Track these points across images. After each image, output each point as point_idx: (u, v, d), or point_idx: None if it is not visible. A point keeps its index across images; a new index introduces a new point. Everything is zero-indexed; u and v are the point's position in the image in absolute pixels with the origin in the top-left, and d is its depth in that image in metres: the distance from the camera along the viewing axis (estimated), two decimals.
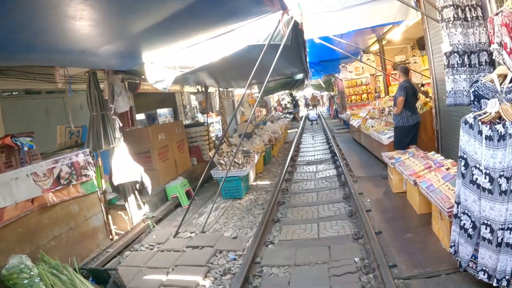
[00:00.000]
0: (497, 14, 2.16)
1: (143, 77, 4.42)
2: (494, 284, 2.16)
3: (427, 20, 5.39)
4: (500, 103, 2.03)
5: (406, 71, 5.15)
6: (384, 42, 9.13)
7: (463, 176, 2.36)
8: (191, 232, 4.28)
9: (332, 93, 18.63)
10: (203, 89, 8.16)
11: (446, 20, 2.36)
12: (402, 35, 8.45)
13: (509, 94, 2.04)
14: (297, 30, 3.92)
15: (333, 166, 6.99)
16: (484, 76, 2.28)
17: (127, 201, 4.62)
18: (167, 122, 9.96)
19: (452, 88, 2.35)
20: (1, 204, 2.99)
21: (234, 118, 15.38)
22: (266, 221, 4.04)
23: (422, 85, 8.21)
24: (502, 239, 2.08)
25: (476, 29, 2.36)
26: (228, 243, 3.77)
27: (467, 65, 2.28)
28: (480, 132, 2.18)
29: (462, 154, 2.33)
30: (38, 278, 2.63)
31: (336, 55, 10.81)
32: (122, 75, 4.53)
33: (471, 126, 2.23)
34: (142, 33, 2.80)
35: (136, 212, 4.68)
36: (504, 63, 2.08)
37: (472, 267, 2.48)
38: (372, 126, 6.91)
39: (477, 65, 2.34)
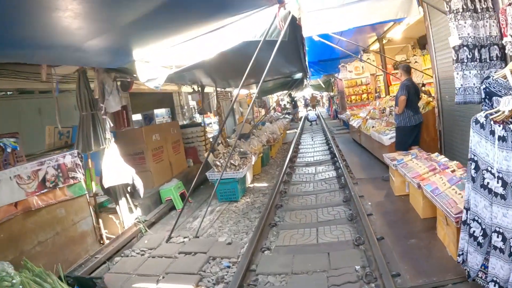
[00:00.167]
0: (510, 4, 1.99)
1: (135, 75, 4.24)
2: None
3: (429, 17, 5.23)
4: None
5: (408, 70, 4.98)
6: (384, 41, 8.97)
7: (473, 180, 2.18)
8: (184, 237, 4.09)
9: (331, 94, 18.46)
10: (199, 88, 7.98)
11: (455, 12, 2.19)
12: (403, 34, 8.29)
13: None
14: (295, 25, 3.73)
15: (332, 168, 6.81)
16: (495, 72, 2.11)
17: (118, 204, 4.44)
18: (164, 122, 9.78)
19: (461, 85, 2.18)
20: None
21: (232, 118, 15.24)
22: (262, 226, 3.86)
23: (423, 84, 8.04)
24: None
25: (487, 21, 2.19)
26: (222, 249, 3.59)
27: (478, 60, 2.11)
28: (492, 132, 2.00)
29: (472, 156, 2.15)
30: (21, 287, 2.47)
31: (336, 55, 10.65)
32: (113, 74, 4.35)
33: (482, 126, 2.05)
34: (129, 26, 2.62)
35: (127, 215, 4.50)
36: None
37: (481, 277, 2.31)
38: (373, 127, 6.74)
39: (487, 60, 2.17)
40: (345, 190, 5.14)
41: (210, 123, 13.17)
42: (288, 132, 14.57)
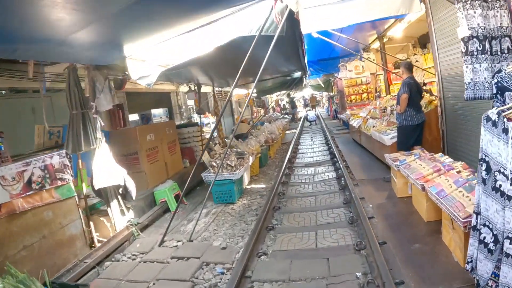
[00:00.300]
0: None
1: (127, 73, 4.08)
2: None
3: (431, 13, 5.07)
4: None
5: (409, 67, 4.82)
6: (385, 40, 8.82)
7: (484, 182, 2.02)
8: (178, 241, 3.93)
9: (331, 93, 18.31)
10: (196, 87, 7.81)
11: (464, 0, 2.03)
12: (404, 32, 8.15)
13: None
14: (293, 20, 3.58)
15: (332, 168, 6.65)
16: (508, 65, 1.95)
17: (110, 206, 4.28)
18: (160, 122, 9.63)
19: (471, 79, 2.02)
20: None
21: (231, 118, 15.08)
22: (259, 229, 3.70)
23: (424, 84, 7.88)
24: None
25: (497, 11, 2.04)
26: (217, 254, 3.42)
27: (488, 52, 1.95)
28: (505, 131, 1.84)
29: (484, 157, 1.99)
30: None
31: (336, 54, 10.50)
32: (104, 71, 4.19)
33: (494, 124, 1.89)
34: (117, 18, 2.47)
35: (119, 218, 4.34)
36: None
37: (492, 286, 2.15)
38: (373, 126, 6.58)
39: (499, 53, 2.02)
40: (345, 192, 4.97)
41: (209, 123, 13.02)
42: (287, 132, 14.42)
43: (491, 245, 2.10)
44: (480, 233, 2.15)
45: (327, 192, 5.18)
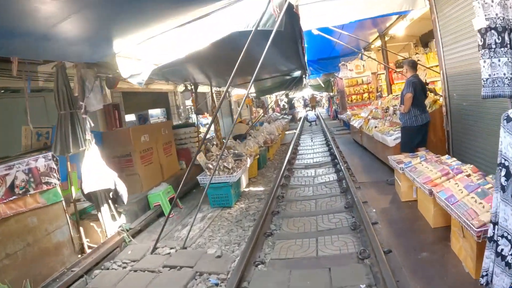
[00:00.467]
0: None
1: (118, 71, 3.88)
2: None
3: (436, 9, 4.89)
4: None
5: (414, 65, 4.61)
6: (386, 39, 8.63)
7: (503, 189, 1.83)
8: (171, 248, 3.73)
9: (331, 94, 18.12)
10: (192, 86, 7.61)
11: None
12: (406, 30, 7.96)
13: None
14: (292, 15, 3.39)
15: (333, 170, 6.45)
16: None
17: (100, 211, 4.07)
18: (154, 123, 9.44)
19: (489, 75, 1.82)
20: None
21: (230, 118, 14.87)
22: (256, 236, 3.49)
23: (427, 83, 7.68)
24: None
25: None
26: (211, 263, 3.22)
27: (508, 45, 1.76)
28: None
29: (503, 161, 1.79)
30: None
31: (336, 53, 10.31)
32: (94, 69, 3.99)
33: None
34: (101, 9, 2.27)
35: (110, 223, 4.14)
36: None
37: None
38: (375, 127, 6.38)
39: None
40: (347, 195, 4.78)
41: (207, 123, 12.82)
42: (287, 132, 14.22)
43: (509, 258, 1.90)
44: (498, 245, 1.95)
45: (328, 195, 4.98)
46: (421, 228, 3.41)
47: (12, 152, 4.04)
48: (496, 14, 1.79)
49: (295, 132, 13.59)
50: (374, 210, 4.00)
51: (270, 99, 21.08)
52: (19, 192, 3.21)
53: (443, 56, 4.88)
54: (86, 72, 3.98)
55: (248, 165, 5.65)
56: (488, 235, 2.02)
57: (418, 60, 8.83)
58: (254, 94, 15.20)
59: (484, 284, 2.11)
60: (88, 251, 3.89)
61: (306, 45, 6.06)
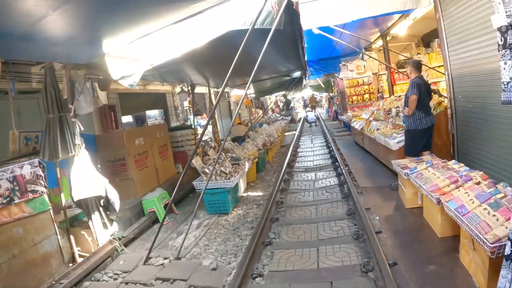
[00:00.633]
0: None
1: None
2: None
3: (441, 8, 4.72)
4: None
5: (418, 66, 4.44)
6: (388, 38, 8.46)
7: None
8: (165, 258, 3.55)
9: (331, 94, 17.96)
10: (189, 88, 7.44)
11: None
12: (407, 30, 7.80)
13: None
14: (292, 13, 3.20)
15: (334, 174, 6.27)
16: None
17: (91, 219, 3.89)
18: (149, 125, 9.26)
19: (510, 78, 1.65)
20: None
21: (229, 120, 14.69)
22: (254, 246, 3.31)
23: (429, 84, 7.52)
24: None
25: None
26: (206, 276, 3.04)
27: None
28: None
29: None
30: None
31: (336, 53, 10.16)
32: (84, 70, 3.82)
33: None
34: (85, 4, 2.10)
35: (101, 231, 3.96)
36: None
37: None
38: (378, 129, 6.21)
39: None
40: (348, 201, 4.60)
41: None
42: (286, 134, 14.04)
43: None
44: None
45: (329, 200, 4.80)
46: (427, 238, 3.24)
47: (2, 157, 3.88)
48: None
49: (294, 134, 13.42)
50: (377, 218, 3.83)
51: (270, 99, 20.92)
52: (2, 201, 3.04)
53: (448, 57, 4.71)
54: (75, 74, 3.81)
55: (246, 170, 5.47)
56: (506, 253, 1.85)
57: (420, 60, 8.66)
58: (254, 95, 15.03)
59: None
60: (79, 260, 3.72)
61: (306, 45, 5.90)
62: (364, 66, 10.85)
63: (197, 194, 5.63)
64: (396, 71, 8.42)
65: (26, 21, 2.08)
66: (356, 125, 8.26)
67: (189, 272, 3.15)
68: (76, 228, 4.14)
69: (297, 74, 8.26)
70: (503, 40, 1.61)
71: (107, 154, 5.04)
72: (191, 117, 11.06)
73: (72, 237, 3.86)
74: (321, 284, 2.76)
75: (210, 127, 9.40)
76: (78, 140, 3.73)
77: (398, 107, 6.06)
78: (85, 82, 3.91)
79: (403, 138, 4.85)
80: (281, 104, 23.47)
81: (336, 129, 13.11)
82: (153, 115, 10.80)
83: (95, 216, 3.91)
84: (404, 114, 4.50)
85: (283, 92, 15.97)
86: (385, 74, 10.03)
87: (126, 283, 3.21)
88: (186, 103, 11.47)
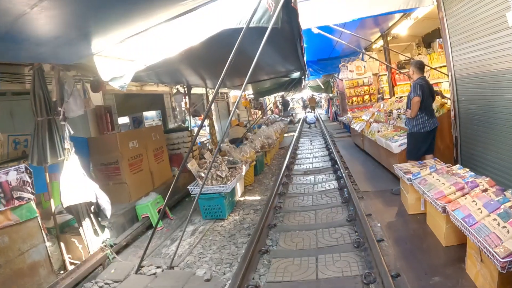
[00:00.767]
0: None
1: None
2: None
3: (444, 7, 4.58)
4: None
5: (421, 67, 4.30)
6: (388, 39, 8.33)
7: None
8: (157, 267, 3.40)
9: (330, 95, 17.82)
10: (185, 89, 7.30)
11: None
12: (408, 30, 7.67)
13: None
14: (290, 12, 3.07)
15: (333, 177, 6.12)
16: None
17: (82, 225, 3.74)
18: (154, 125, 9.13)
19: None
20: None
21: (228, 121, 14.54)
22: (250, 255, 3.16)
23: None
24: None
25: None
26: None
27: None
28: None
29: None
30: None
31: (336, 53, 10.03)
32: (73, 71, 3.68)
33: None
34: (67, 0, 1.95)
35: (93, 238, 3.81)
36: None
37: None
38: (378, 131, 6.06)
39: None
40: (348, 206, 4.45)
41: (204, 126, 12.46)
42: (285, 135, 13.90)
43: None
44: None
45: (329, 205, 4.65)
46: (431, 246, 3.10)
47: None
48: None
49: (294, 135, 13.27)
50: (379, 225, 3.68)
51: (269, 100, 20.79)
52: None
53: (452, 57, 4.58)
54: (65, 75, 3.67)
55: (243, 173, 5.32)
56: None
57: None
58: (252, 96, 14.90)
59: None
60: (70, 267, 3.58)
61: (305, 45, 5.76)
62: (364, 66, 10.72)
63: (193, 198, 5.48)
64: (398, 71, 8.27)
65: (4, 21, 1.94)
66: (356, 126, 8.12)
67: (182, 282, 3.00)
68: (67, 235, 4.00)
69: (296, 74, 8.12)
70: None
71: (100, 158, 4.90)
72: (189, 117, 10.96)
73: (62, 244, 3.72)
74: None
75: (207, 129, 9.26)
76: (67, 144, 3.58)
77: (399, 108, 5.92)
78: (75, 84, 3.77)
79: (405, 141, 4.71)
80: (280, 105, 23.34)
81: (336, 131, 12.97)
82: (151, 116, 10.66)
83: (86, 223, 3.76)
84: (407, 116, 4.36)
85: (282, 93, 15.82)
86: (385, 75, 9.89)
87: None
88: (183, 104, 11.33)
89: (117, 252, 3.93)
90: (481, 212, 2.37)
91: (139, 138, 5.26)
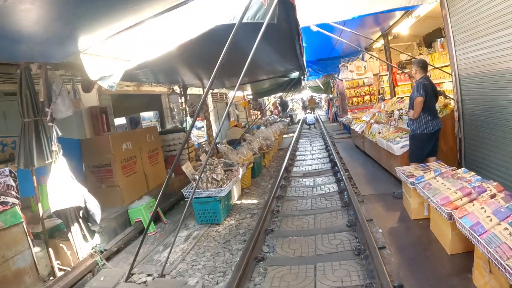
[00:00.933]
0: None
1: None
2: None
3: (447, 4, 4.44)
4: None
5: (424, 66, 4.15)
6: (389, 38, 8.18)
7: None
8: (148, 275, 3.24)
9: (330, 96, 17.67)
10: (181, 89, 7.15)
11: None
12: (410, 30, 7.52)
13: None
14: (287, 8, 2.91)
15: (333, 180, 5.97)
16: None
17: (71, 231, 3.59)
18: (151, 126, 8.99)
19: None
20: None
21: (227, 122, 14.39)
22: (245, 263, 3.01)
23: None
24: None
25: None
26: None
27: None
28: None
29: None
30: None
31: (336, 53, 9.89)
32: (60, 70, 3.53)
33: None
34: None
35: (82, 244, 3.65)
36: None
37: None
38: (379, 133, 5.91)
39: None
40: (349, 210, 4.30)
41: (202, 127, 12.31)
42: (284, 136, 13.74)
43: None
44: None
45: (328, 209, 4.50)
46: (436, 255, 2.94)
47: None
48: None
49: (293, 136, 13.12)
50: (380, 230, 3.53)
51: (268, 100, 20.64)
52: None
53: (455, 56, 4.43)
54: (52, 74, 3.52)
55: (240, 176, 5.16)
56: None
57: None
58: (251, 96, 14.75)
59: None
60: (59, 274, 3.42)
61: (304, 44, 5.61)
62: (365, 66, 10.56)
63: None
64: (400, 70, 8.12)
65: None
66: (357, 127, 7.97)
67: None
68: (56, 240, 3.84)
69: (295, 74, 7.97)
70: None
71: (93, 160, 4.75)
72: (188, 118, 10.81)
73: (51, 250, 3.56)
74: None
75: (205, 130, 9.11)
76: (55, 146, 3.42)
77: (401, 109, 5.77)
78: (64, 84, 3.61)
79: (407, 142, 4.56)
80: (279, 107, 23.19)
81: (336, 132, 12.82)
82: (148, 116, 10.53)
83: (75, 228, 3.60)
84: (409, 117, 4.21)
85: (281, 94, 15.68)
86: (386, 75, 9.74)
87: None
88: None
89: (108, 258, 3.78)
90: (491, 220, 2.21)
91: (133, 139, 5.11)
